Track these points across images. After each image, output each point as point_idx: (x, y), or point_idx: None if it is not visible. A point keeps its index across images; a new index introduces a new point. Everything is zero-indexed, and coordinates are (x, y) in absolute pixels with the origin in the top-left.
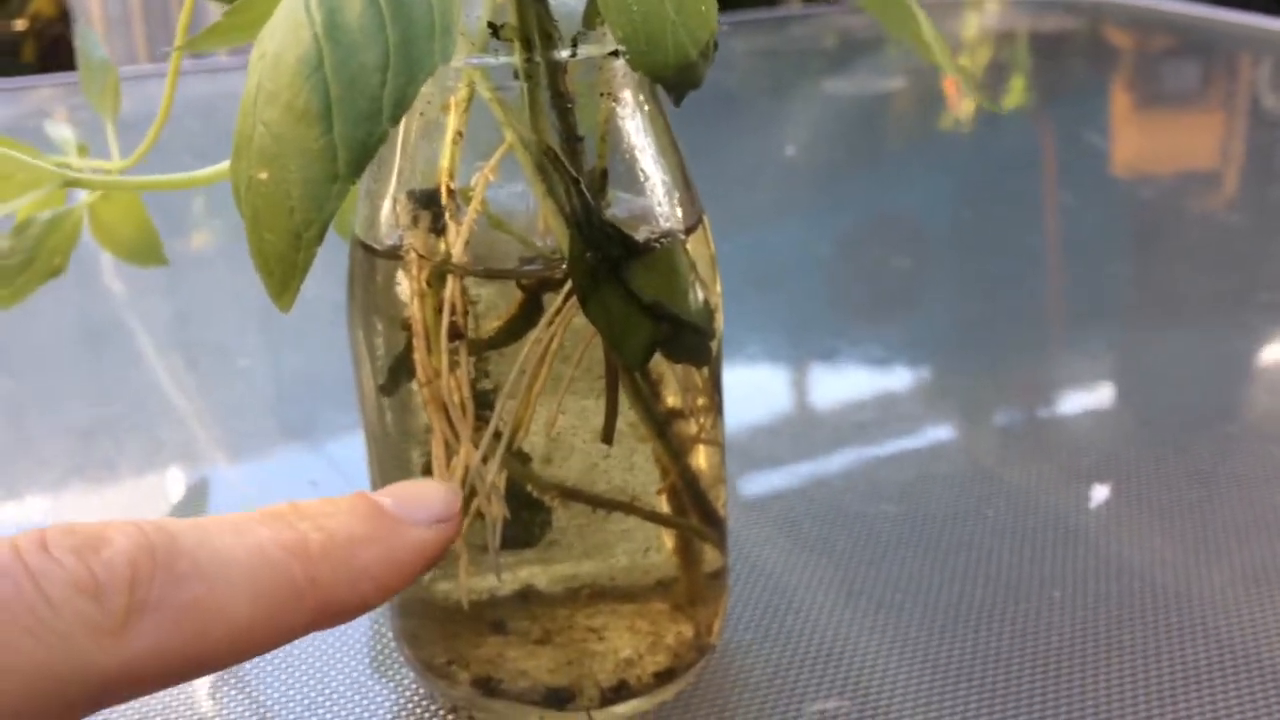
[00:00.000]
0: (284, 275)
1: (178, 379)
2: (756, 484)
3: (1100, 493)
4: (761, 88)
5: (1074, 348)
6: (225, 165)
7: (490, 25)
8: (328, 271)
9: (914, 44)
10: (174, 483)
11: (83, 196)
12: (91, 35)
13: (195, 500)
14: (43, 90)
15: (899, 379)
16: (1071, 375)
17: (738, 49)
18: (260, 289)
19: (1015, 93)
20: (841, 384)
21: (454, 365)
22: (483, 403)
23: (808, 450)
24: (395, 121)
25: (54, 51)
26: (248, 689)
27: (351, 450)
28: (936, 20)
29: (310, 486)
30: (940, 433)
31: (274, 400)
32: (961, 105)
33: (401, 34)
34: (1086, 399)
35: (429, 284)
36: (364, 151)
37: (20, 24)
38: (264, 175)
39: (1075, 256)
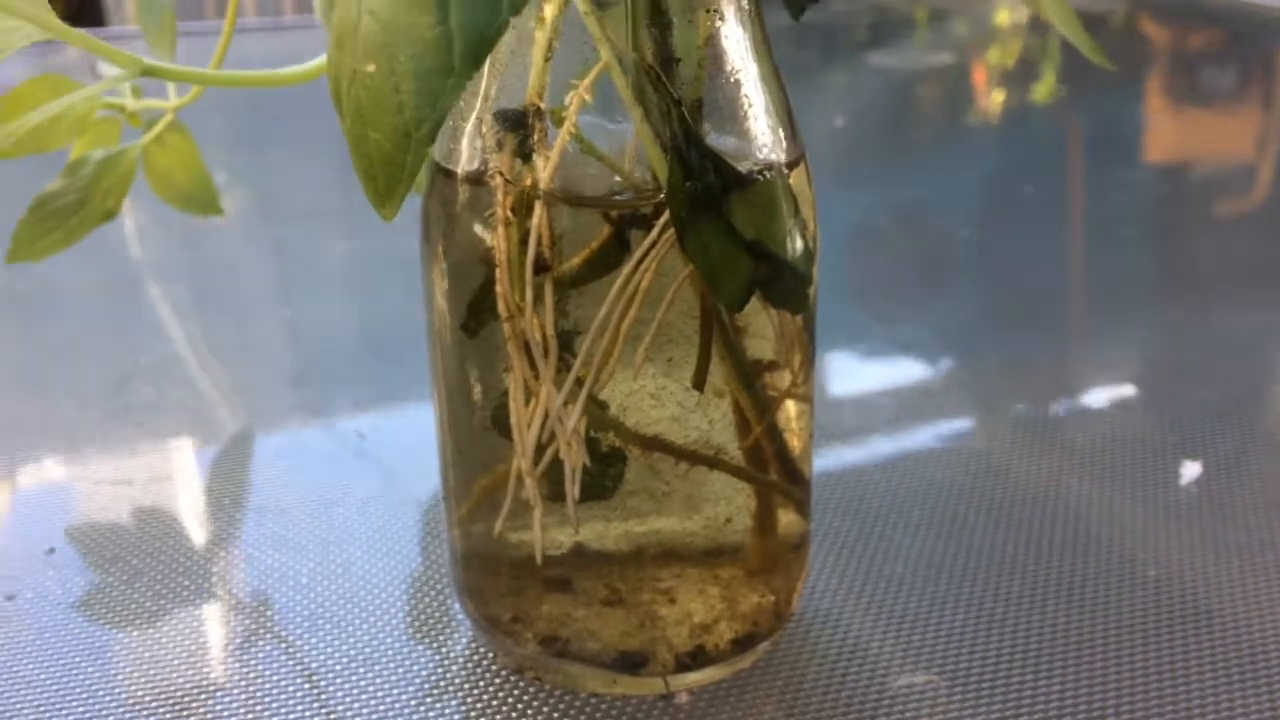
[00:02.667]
0: (389, 179)
1: (216, 334)
2: (826, 456)
3: (1192, 470)
4: (802, 61)
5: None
6: (320, 61)
7: None
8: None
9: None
10: (215, 435)
11: (138, 137)
12: None
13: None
14: (71, 51)
15: (961, 355)
16: (1144, 358)
17: (781, 20)
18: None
19: (1046, 84)
20: (906, 359)
21: (538, 300)
22: (565, 342)
23: (875, 423)
24: (517, 10)
25: (84, 7)
26: (295, 648)
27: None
28: (968, 9)
29: (358, 438)
30: (1015, 409)
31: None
32: (990, 96)
33: None
34: (1161, 382)
35: (514, 212)
36: (482, 42)
37: None
38: (370, 68)
39: (1102, 247)
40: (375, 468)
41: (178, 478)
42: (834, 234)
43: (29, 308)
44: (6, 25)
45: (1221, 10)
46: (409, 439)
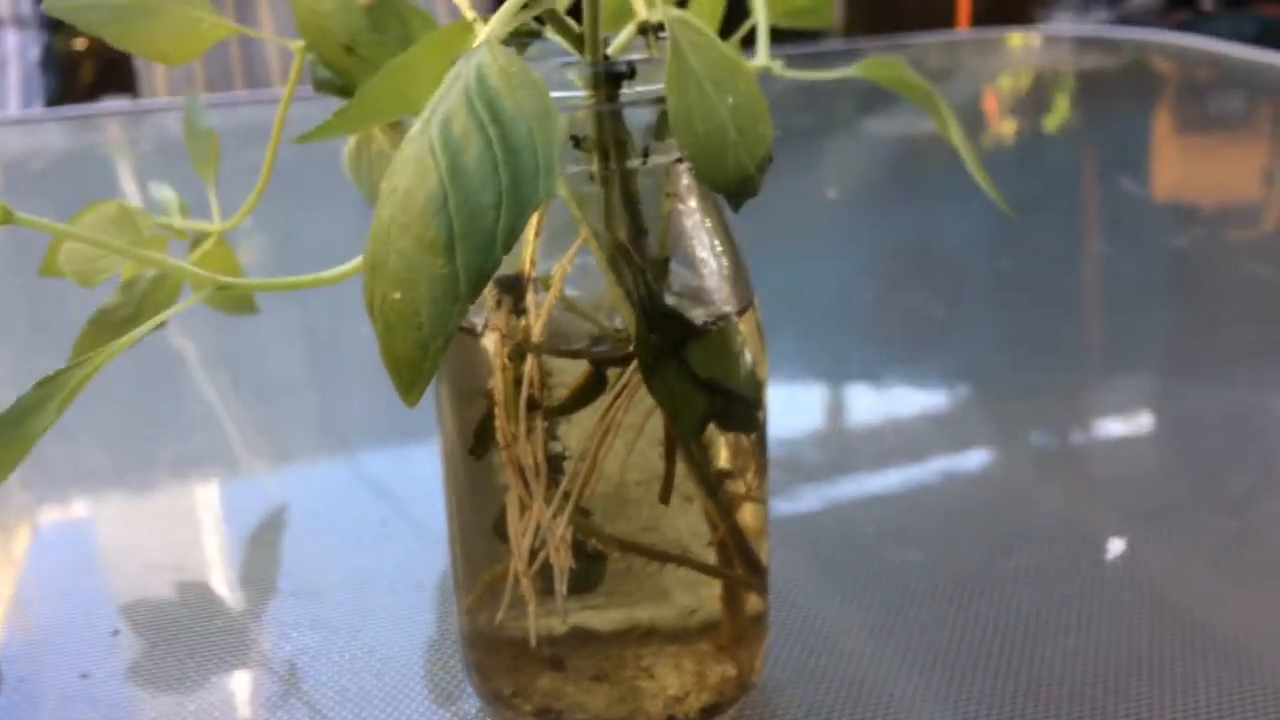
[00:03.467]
0: (411, 378)
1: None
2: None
3: (1117, 546)
4: (804, 125)
5: (1111, 387)
6: (350, 265)
7: (573, 138)
8: None
9: (937, 120)
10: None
11: (183, 254)
12: (198, 103)
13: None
14: (107, 120)
15: (931, 414)
16: (1109, 412)
17: (778, 86)
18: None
19: (1059, 112)
20: (876, 414)
21: (530, 432)
22: (554, 465)
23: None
24: (508, 250)
25: (112, 72)
26: (326, 717)
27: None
28: (979, 54)
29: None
30: (969, 467)
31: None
32: (1002, 127)
33: (512, 176)
34: (1120, 441)
35: (510, 360)
36: (482, 277)
37: (79, 44)
38: (397, 295)
39: (1112, 288)
40: (398, 552)
41: (222, 561)
42: (850, 271)
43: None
44: (94, 253)
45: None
46: (431, 523)
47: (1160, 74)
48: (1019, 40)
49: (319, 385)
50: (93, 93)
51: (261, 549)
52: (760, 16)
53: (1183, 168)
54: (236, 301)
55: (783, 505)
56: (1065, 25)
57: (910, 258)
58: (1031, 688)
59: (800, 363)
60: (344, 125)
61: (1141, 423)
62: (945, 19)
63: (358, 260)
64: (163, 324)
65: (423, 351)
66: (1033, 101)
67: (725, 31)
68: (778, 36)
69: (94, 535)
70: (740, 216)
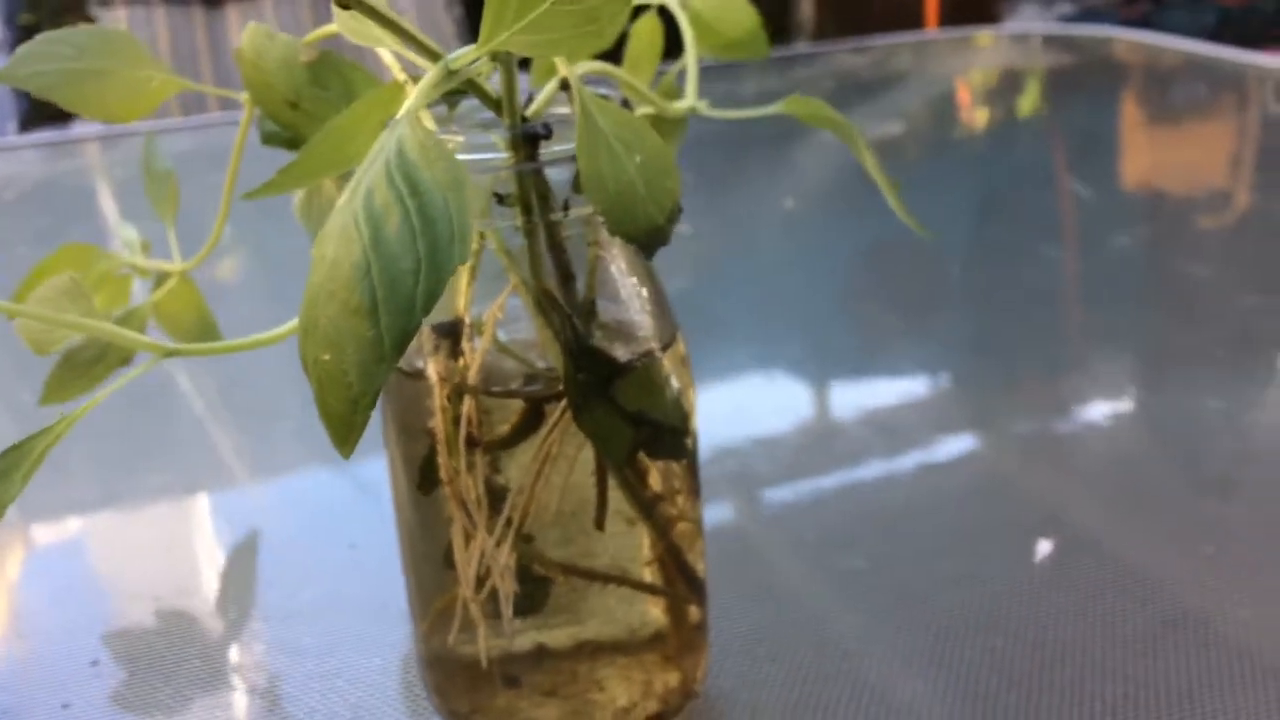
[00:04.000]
0: (344, 432)
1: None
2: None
3: (1046, 547)
4: (768, 130)
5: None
6: (288, 327)
7: (496, 195)
8: None
9: (856, 152)
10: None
11: (148, 292)
12: (155, 146)
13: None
14: (83, 145)
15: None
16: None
17: (748, 90)
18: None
19: (1029, 103)
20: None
21: (470, 466)
22: (496, 495)
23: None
24: (427, 313)
25: None
26: None
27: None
28: (947, 53)
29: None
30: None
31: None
32: (975, 115)
33: (429, 244)
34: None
35: (450, 400)
36: (404, 338)
37: None
38: (327, 356)
39: (1083, 282)
40: (365, 575)
41: (198, 589)
42: (830, 263)
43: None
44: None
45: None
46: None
47: (1123, 67)
48: (987, 39)
49: (289, 410)
50: (66, 116)
51: (234, 575)
52: (690, 56)
53: (1148, 158)
54: (203, 335)
55: (721, 512)
56: (1031, 23)
57: (877, 256)
58: (970, 688)
59: (761, 369)
60: (288, 182)
61: (1117, 414)
62: (914, 19)
63: (294, 322)
64: (126, 362)
65: (353, 407)
66: (1001, 97)
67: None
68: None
69: (70, 566)
70: (704, 223)
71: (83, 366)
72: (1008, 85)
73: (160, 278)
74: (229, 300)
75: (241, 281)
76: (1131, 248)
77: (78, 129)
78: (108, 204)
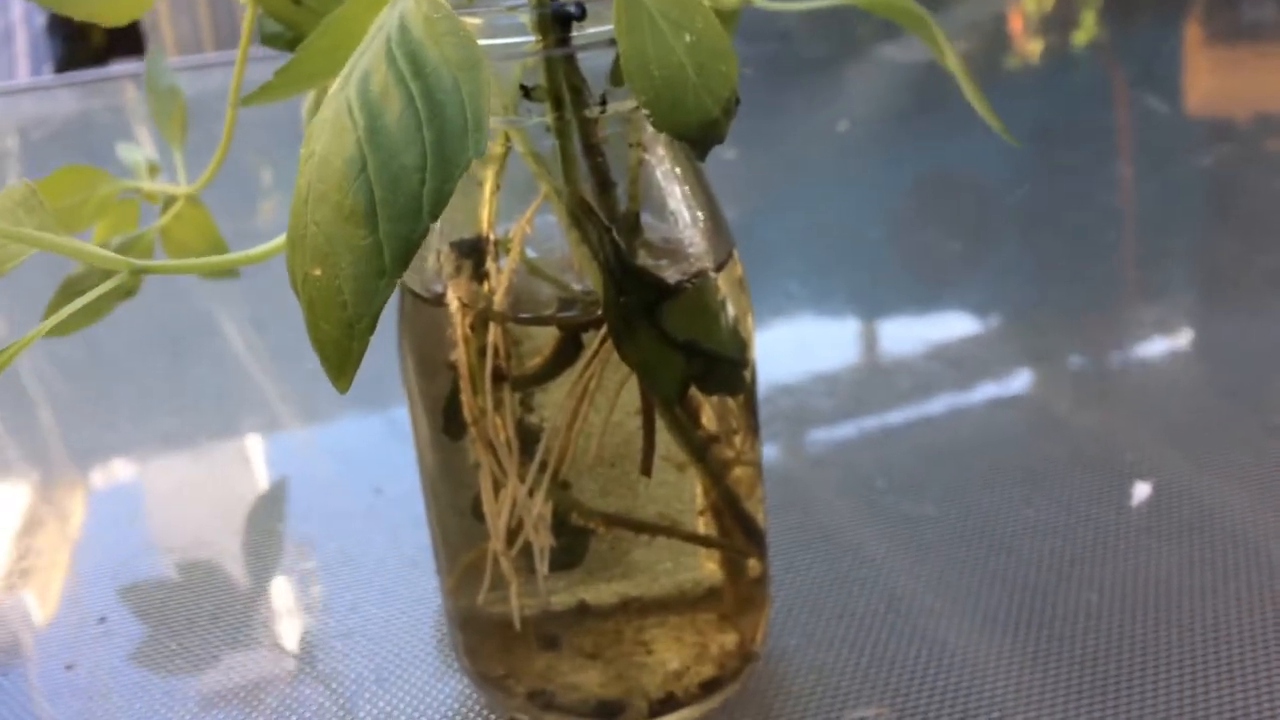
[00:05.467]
0: (340, 361)
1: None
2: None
3: (1142, 490)
4: (818, 52)
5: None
6: (278, 242)
7: (522, 87)
8: None
9: (935, 49)
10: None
11: (155, 218)
12: (161, 60)
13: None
14: (118, 82)
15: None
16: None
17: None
18: None
19: (1086, 28)
20: (896, 349)
21: (498, 405)
22: (529, 437)
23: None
24: (435, 217)
25: (123, 35)
26: (309, 696)
27: None
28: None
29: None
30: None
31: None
32: (1028, 46)
33: (437, 133)
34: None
35: (473, 329)
36: (408, 247)
37: None
38: (318, 271)
39: (1145, 209)
40: (391, 523)
41: (215, 540)
42: (886, 190)
43: (75, 370)
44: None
45: None
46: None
47: None
48: None
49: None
50: (103, 57)
51: (253, 525)
52: None
53: (1214, 81)
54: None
55: (786, 455)
56: None
57: (935, 182)
58: (1053, 647)
59: (814, 302)
60: (285, 86)
61: (1176, 347)
62: None
63: (283, 236)
64: (132, 293)
65: (349, 332)
66: (1059, 18)
67: None
68: None
69: (79, 515)
70: (752, 150)
71: (83, 295)
72: (1069, 2)
73: (168, 202)
74: (248, 228)
75: (262, 208)
76: (1200, 171)
77: (115, 68)
78: (145, 141)
